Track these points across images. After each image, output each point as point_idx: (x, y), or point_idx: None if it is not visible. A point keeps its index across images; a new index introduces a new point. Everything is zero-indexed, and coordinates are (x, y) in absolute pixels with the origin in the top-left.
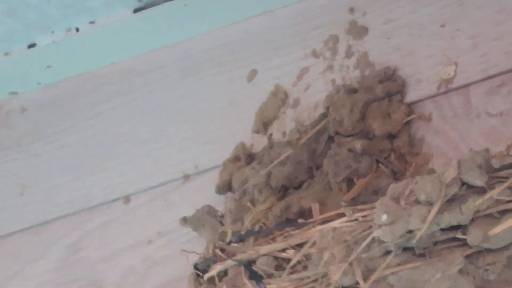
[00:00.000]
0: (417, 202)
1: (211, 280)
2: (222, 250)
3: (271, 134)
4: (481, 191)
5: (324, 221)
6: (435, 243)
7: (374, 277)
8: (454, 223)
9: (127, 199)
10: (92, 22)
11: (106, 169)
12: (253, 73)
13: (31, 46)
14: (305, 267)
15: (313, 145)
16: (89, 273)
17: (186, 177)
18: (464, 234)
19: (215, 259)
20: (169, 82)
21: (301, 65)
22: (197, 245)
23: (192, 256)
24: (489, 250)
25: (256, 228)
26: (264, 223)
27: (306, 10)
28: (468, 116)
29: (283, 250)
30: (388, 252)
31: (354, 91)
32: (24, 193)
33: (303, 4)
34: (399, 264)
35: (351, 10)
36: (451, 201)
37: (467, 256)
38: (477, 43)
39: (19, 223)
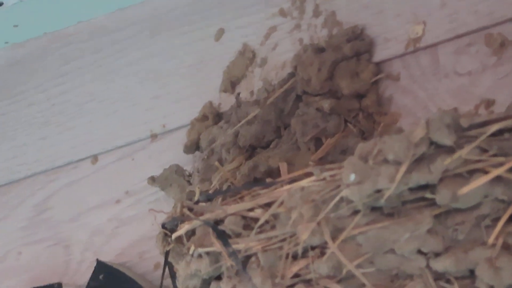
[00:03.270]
0: (385, 161)
1: (179, 239)
2: (190, 210)
3: (238, 93)
4: (450, 150)
5: (292, 181)
6: (404, 203)
7: (342, 236)
8: (423, 182)
9: (94, 158)
10: None
11: (73, 128)
12: (220, 32)
13: None
14: (273, 227)
15: (281, 104)
16: (56, 233)
17: (154, 137)
18: (433, 193)
19: (183, 219)
20: (137, 41)
21: (269, 24)
22: (165, 204)
23: (159, 215)
24: (457, 210)
25: (224, 187)
26: (232, 183)
27: None
28: (436, 76)
29: (251, 210)
30: (356, 212)
31: (321, 50)
32: None
33: None
34: (367, 224)
35: None
36: (419, 161)
37: (436, 216)
38: (446, 2)
39: None
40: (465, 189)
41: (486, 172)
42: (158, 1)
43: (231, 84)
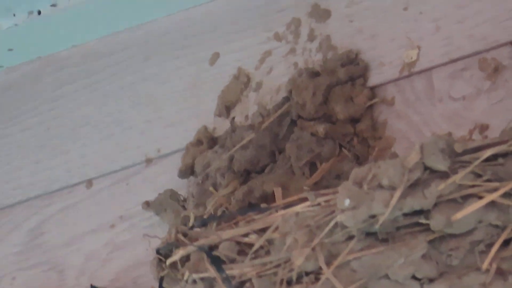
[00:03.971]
0: (380, 186)
1: (174, 265)
2: (185, 235)
3: (233, 118)
4: (444, 175)
5: (287, 206)
6: (398, 228)
7: (337, 262)
8: (417, 208)
9: (89, 183)
10: (53, 5)
11: (68, 152)
12: (215, 56)
13: None
14: (267, 252)
15: (276, 128)
16: (50, 257)
17: (149, 161)
18: (427, 219)
19: (177, 244)
20: (131, 65)
21: (264, 48)
22: (159, 229)
23: (154, 240)
24: (452, 235)
25: (219, 212)
26: (226, 208)
27: None
28: (431, 100)
29: (246, 235)
30: (351, 237)
31: (316, 74)
32: None
33: None
34: (362, 249)
35: None
36: (414, 186)
37: (430, 241)
38: (440, 26)
39: None
40: (459, 215)
41: (480, 198)
42: (151, 25)
43: (225, 108)
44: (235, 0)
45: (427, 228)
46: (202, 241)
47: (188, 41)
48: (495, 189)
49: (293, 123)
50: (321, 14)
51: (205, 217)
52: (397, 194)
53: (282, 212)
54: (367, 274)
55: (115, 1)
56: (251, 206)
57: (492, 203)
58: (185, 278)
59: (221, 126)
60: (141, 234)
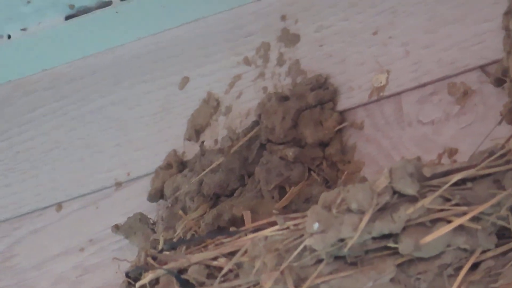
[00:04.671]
0: (349, 210)
1: None
2: (154, 258)
3: (203, 142)
4: (413, 199)
5: (256, 229)
6: (367, 252)
7: (305, 285)
8: (386, 231)
9: (58, 206)
10: (24, 29)
11: (38, 176)
12: (185, 80)
13: None
14: (236, 276)
15: (245, 152)
16: (20, 280)
17: (118, 185)
18: (396, 242)
19: (146, 267)
20: (101, 89)
21: (233, 72)
22: (129, 253)
23: (123, 264)
24: (420, 259)
25: (188, 236)
26: (196, 231)
27: (238, 17)
28: (400, 124)
29: (215, 259)
30: (319, 261)
31: (285, 98)
32: None
33: (235, 11)
34: (330, 273)
35: (283, 17)
36: (382, 210)
37: (399, 265)
38: (409, 51)
39: None
40: (427, 239)
41: (448, 222)
42: (121, 50)
43: (195, 132)
44: (204, 24)
45: (395, 252)
46: (171, 265)
47: (158, 65)
48: (464, 213)
49: (262, 147)
50: (291, 39)
51: (174, 240)
52: (366, 218)
53: (251, 235)
54: None
55: (85, 25)
56: (220, 230)
57: (461, 227)
58: None
59: (191, 150)
60: (110, 257)
